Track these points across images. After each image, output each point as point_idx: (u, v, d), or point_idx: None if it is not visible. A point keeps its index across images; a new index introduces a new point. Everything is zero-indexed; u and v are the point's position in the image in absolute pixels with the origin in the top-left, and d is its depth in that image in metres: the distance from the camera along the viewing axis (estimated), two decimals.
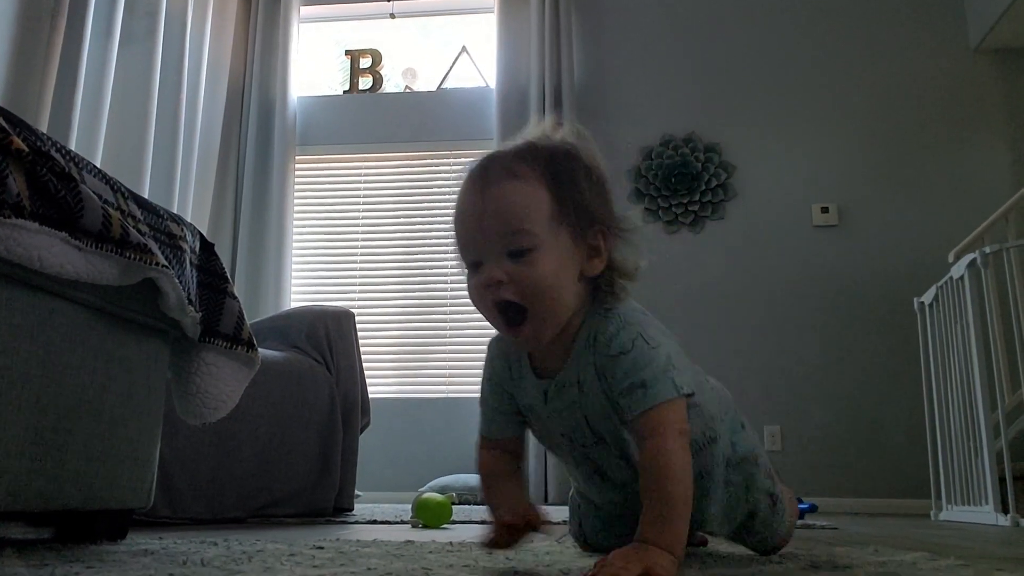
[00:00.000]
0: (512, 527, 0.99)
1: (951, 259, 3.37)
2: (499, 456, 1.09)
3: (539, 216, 0.92)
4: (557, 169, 0.95)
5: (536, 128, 1.02)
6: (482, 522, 2.24)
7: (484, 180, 0.94)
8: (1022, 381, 3.22)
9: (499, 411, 1.09)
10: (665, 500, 0.87)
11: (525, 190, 0.93)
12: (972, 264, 2.97)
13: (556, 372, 1.01)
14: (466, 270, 0.97)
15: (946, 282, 3.20)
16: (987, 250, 2.98)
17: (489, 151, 1.00)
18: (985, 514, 2.73)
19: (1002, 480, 2.74)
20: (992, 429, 2.80)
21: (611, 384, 0.95)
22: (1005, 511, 2.66)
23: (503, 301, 0.92)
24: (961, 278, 3.02)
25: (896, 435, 3.96)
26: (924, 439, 3.40)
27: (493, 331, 3.68)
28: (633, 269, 1.00)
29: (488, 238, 0.92)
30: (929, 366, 3.35)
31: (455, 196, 0.98)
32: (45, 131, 2.26)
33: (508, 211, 0.92)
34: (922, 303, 3.44)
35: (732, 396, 1.22)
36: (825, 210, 4.31)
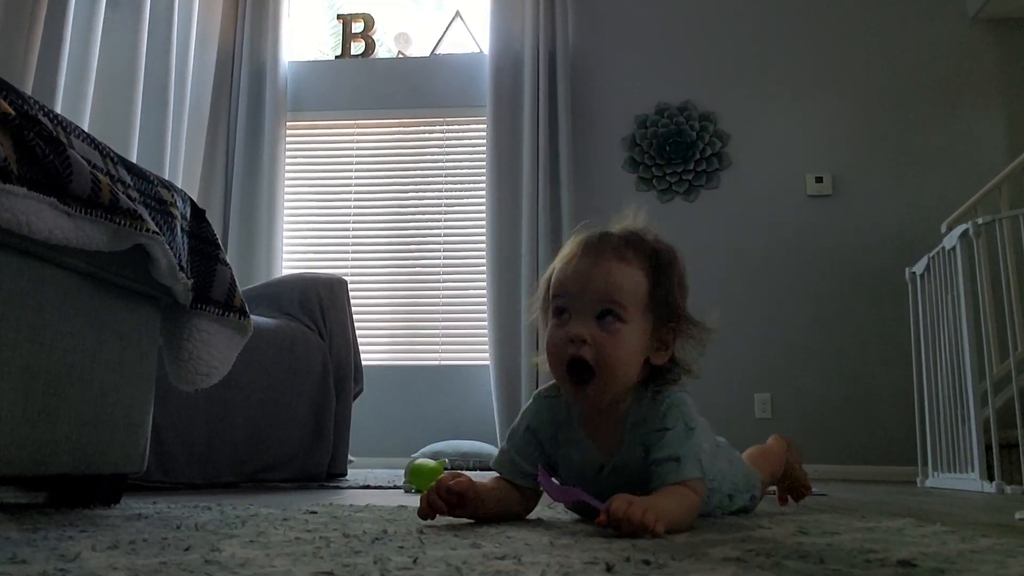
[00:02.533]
0: (444, 482, 1.03)
1: (943, 230, 3.38)
2: (514, 490, 1.15)
3: (635, 298, 1.05)
4: (659, 266, 1.08)
5: (635, 218, 1.13)
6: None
7: (599, 251, 1.06)
8: (1011, 351, 3.25)
9: (524, 457, 1.15)
10: (675, 499, 0.99)
11: (631, 273, 1.06)
12: (964, 235, 2.97)
13: (608, 444, 1.11)
14: (550, 319, 1.08)
15: (938, 252, 3.20)
16: (979, 221, 2.99)
17: (599, 230, 1.11)
18: (971, 481, 2.77)
19: (988, 448, 2.78)
20: (980, 398, 2.82)
21: (649, 453, 1.07)
22: (991, 478, 2.69)
23: (578, 358, 1.03)
24: (953, 249, 3.03)
25: (885, 403, 4.00)
26: (912, 407, 3.44)
27: (485, 299, 3.72)
28: (695, 368, 1.12)
29: (586, 296, 1.04)
30: (919, 335, 3.38)
31: (560, 253, 1.11)
32: (29, 94, 2.23)
33: (613, 283, 1.04)
34: (913, 273, 3.46)
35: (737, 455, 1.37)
36: (819, 180, 4.31)
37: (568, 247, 1.11)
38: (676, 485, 1.02)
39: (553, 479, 1.03)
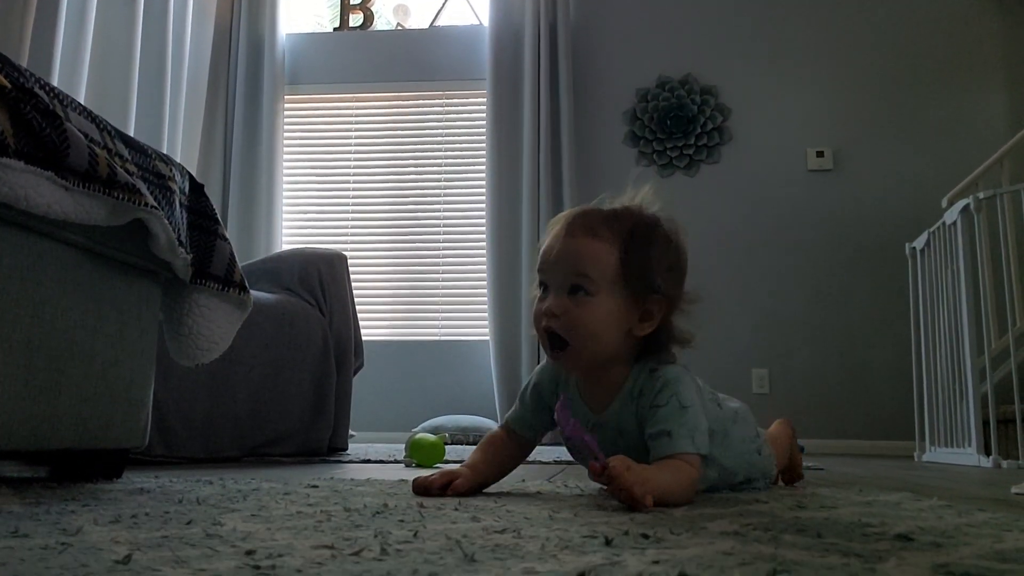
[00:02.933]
0: (435, 486, 1.11)
1: (944, 204, 3.37)
2: (509, 444, 1.24)
3: (603, 271, 1.09)
4: (634, 239, 1.11)
5: (638, 194, 1.16)
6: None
7: (571, 228, 1.12)
8: (1009, 326, 3.26)
9: (531, 413, 1.24)
10: (669, 472, 1.02)
11: (599, 248, 1.09)
12: (965, 209, 2.96)
13: (602, 407, 1.16)
14: (537, 291, 1.15)
15: (938, 227, 3.20)
16: (980, 195, 2.98)
17: (585, 206, 1.16)
18: (968, 456, 2.78)
19: (985, 423, 2.79)
20: (978, 373, 2.83)
21: (646, 429, 1.11)
22: (987, 453, 2.71)
23: (551, 330, 1.09)
24: (954, 223, 3.02)
25: (883, 378, 4.01)
26: (910, 382, 3.45)
27: (485, 274, 3.74)
28: (688, 337, 1.15)
29: (558, 271, 1.10)
30: (918, 311, 3.38)
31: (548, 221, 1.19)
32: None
33: (580, 258, 1.09)
34: (913, 248, 3.45)
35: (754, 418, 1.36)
36: (820, 154, 4.29)
37: (553, 223, 1.17)
38: (670, 458, 1.05)
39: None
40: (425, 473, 1.16)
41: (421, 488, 1.11)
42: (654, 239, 1.12)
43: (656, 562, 0.56)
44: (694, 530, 0.74)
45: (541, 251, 1.15)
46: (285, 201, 4.61)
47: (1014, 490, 1.41)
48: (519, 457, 1.25)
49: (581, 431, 1.06)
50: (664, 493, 0.96)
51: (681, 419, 1.08)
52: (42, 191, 1.04)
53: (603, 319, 1.09)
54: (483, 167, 4.47)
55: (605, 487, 0.95)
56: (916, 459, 3.24)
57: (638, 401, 1.12)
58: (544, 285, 1.13)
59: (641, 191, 1.16)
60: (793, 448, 1.52)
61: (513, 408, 1.27)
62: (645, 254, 1.11)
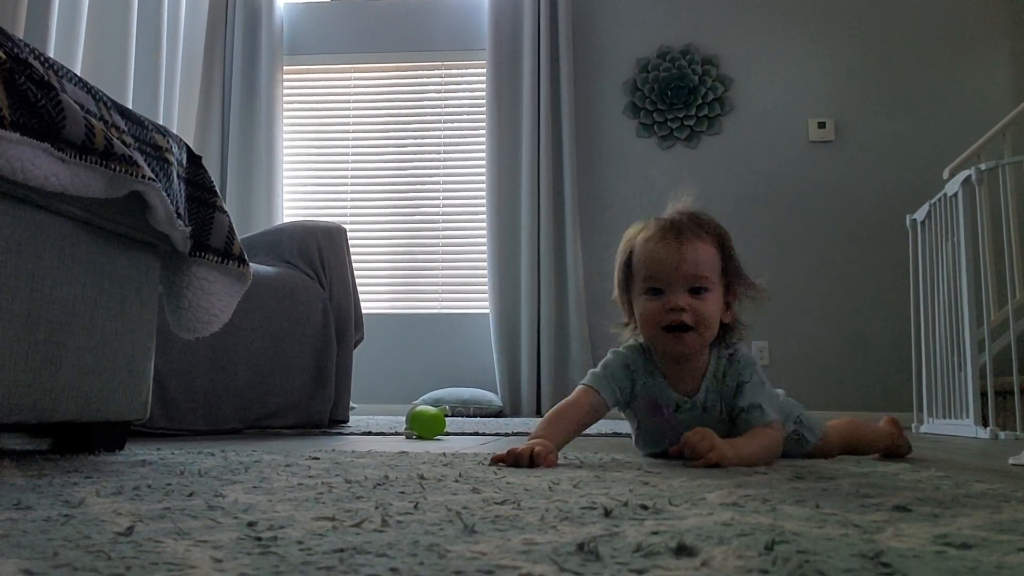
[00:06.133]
0: (520, 457, 1.15)
1: (946, 176, 3.35)
2: (583, 408, 1.32)
3: (714, 270, 1.29)
4: (723, 242, 1.32)
5: (682, 202, 1.34)
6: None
7: (681, 235, 1.28)
8: (1009, 298, 3.26)
9: (616, 383, 1.35)
10: (757, 441, 1.24)
11: (709, 250, 1.29)
12: (966, 181, 2.95)
13: (686, 390, 1.33)
14: (644, 294, 1.29)
15: (939, 199, 3.18)
16: (982, 167, 2.96)
17: (668, 215, 1.32)
18: (965, 427, 2.80)
19: (983, 394, 2.80)
20: (976, 345, 2.84)
21: (733, 404, 1.31)
22: (985, 424, 2.72)
23: (680, 323, 1.25)
24: (955, 195, 3.01)
25: (882, 350, 4.02)
26: (909, 354, 3.46)
27: (485, 247, 3.73)
28: (746, 324, 1.35)
29: (679, 277, 1.26)
30: (918, 283, 3.38)
31: (642, 238, 1.31)
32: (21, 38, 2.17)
33: (699, 261, 1.27)
34: (914, 220, 3.44)
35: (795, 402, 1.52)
36: (822, 125, 4.26)
37: (645, 230, 1.32)
38: (761, 427, 1.26)
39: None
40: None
41: (512, 459, 1.14)
42: (731, 242, 1.33)
43: (655, 533, 0.56)
44: (693, 501, 0.75)
45: (649, 257, 1.28)
46: (285, 173, 4.59)
47: (1011, 461, 1.42)
48: (587, 424, 1.32)
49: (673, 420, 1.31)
50: (745, 457, 1.18)
51: (764, 393, 1.30)
52: (38, 163, 1.03)
53: (716, 308, 1.29)
54: (483, 138, 4.44)
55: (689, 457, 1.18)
56: (914, 430, 3.26)
57: (723, 382, 1.31)
58: (656, 290, 1.27)
59: (686, 199, 1.34)
60: (895, 438, 1.58)
61: (594, 374, 1.36)
62: (731, 255, 1.32)
